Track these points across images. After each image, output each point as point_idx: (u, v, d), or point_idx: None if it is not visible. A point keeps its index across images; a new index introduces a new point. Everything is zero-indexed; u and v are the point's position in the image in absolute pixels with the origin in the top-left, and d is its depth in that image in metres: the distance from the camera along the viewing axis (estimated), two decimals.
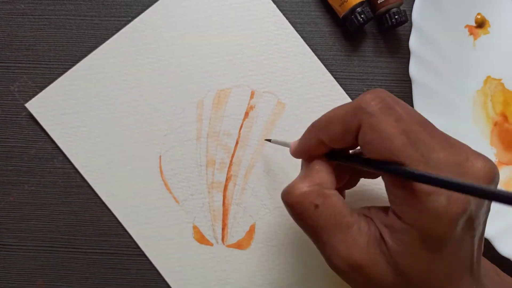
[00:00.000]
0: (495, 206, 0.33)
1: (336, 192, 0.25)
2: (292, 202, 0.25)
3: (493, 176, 0.23)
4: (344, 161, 0.25)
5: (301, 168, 0.28)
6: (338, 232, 0.24)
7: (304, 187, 0.25)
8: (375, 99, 0.23)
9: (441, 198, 0.21)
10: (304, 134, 0.27)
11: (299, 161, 0.35)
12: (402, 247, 0.23)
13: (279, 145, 0.35)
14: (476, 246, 0.24)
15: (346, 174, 0.28)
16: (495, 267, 0.28)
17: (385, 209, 0.24)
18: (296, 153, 0.27)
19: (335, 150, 0.26)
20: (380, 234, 0.23)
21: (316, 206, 0.24)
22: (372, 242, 0.23)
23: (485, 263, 0.27)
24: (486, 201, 0.24)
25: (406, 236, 0.22)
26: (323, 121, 0.25)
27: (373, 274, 0.23)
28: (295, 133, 0.35)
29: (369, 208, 0.25)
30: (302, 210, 0.24)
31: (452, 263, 0.23)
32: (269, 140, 0.34)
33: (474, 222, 0.23)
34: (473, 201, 0.22)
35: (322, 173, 0.25)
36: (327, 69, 0.35)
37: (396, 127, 0.22)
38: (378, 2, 0.34)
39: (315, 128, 0.25)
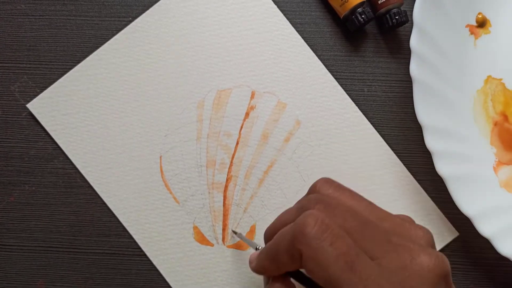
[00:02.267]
0: (497, 204, 0.33)
1: None
2: None
3: (440, 271, 0.23)
4: (301, 282, 0.26)
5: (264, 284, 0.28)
6: None
7: None
8: (310, 223, 0.23)
9: None
10: (259, 256, 0.27)
11: (299, 161, 0.35)
12: None
13: (277, 146, 0.35)
14: None
15: None
16: None
17: None
18: (255, 271, 0.28)
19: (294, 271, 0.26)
20: None
21: None
22: None
23: None
24: None
25: None
26: (273, 249, 0.25)
27: None
28: (296, 134, 0.35)
29: None
30: None
31: None
32: (235, 233, 0.34)
33: None
34: None
35: None
36: (328, 69, 0.35)
37: (332, 252, 0.22)
38: (379, 2, 0.34)
39: (267, 255, 0.26)
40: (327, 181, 0.27)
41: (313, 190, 0.27)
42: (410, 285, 0.23)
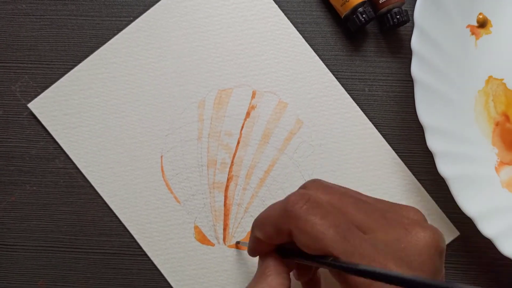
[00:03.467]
0: (498, 206, 0.33)
1: None
2: None
3: (436, 244, 0.23)
4: (290, 256, 0.26)
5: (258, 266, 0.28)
6: None
7: None
8: (299, 201, 0.23)
9: (382, 286, 0.21)
10: (250, 236, 0.27)
11: (300, 161, 0.35)
12: None
13: (278, 146, 0.35)
14: None
15: (308, 268, 0.28)
16: None
17: None
18: (249, 253, 0.28)
19: (282, 245, 0.26)
20: None
21: None
22: None
23: None
24: (435, 262, 0.24)
25: None
26: (258, 221, 0.26)
27: None
28: (297, 133, 0.35)
29: None
30: None
31: None
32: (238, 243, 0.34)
33: None
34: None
35: (273, 277, 0.25)
36: (329, 69, 0.35)
37: (323, 224, 0.23)
38: (380, 2, 0.34)
39: (252, 228, 0.26)
40: (316, 180, 0.27)
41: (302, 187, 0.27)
42: (405, 255, 0.23)
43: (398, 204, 0.26)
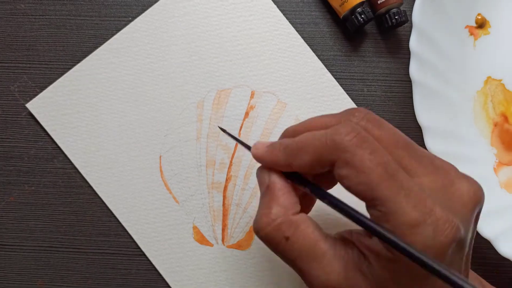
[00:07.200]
0: (496, 206, 0.33)
1: (304, 217, 0.24)
2: (263, 236, 0.24)
3: (478, 200, 0.23)
4: (304, 186, 0.24)
5: (260, 185, 0.26)
6: (312, 260, 0.23)
7: (271, 218, 0.24)
8: (350, 133, 0.22)
9: (427, 230, 0.21)
10: (272, 146, 0.25)
11: None
12: (389, 274, 0.22)
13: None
14: (463, 263, 0.23)
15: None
16: (479, 278, 0.28)
17: (368, 233, 0.23)
18: (259, 160, 0.26)
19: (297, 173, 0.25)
20: (364, 257, 0.23)
21: (287, 238, 0.23)
22: (351, 266, 0.23)
23: (470, 275, 0.27)
24: (474, 219, 0.23)
25: (393, 265, 0.21)
26: (295, 146, 0.24)
27: None
28: None
29: (350, 231, 0.24)
30: (274, 243, 0.24)
31: (440, 286, 0.22)
32: (224, 130, 0.31)
33: (464, 244, 0.22)
34: (462, 227, 0.21)
35: (286, 196, 0.24)
36: (328, 69, 0.35)
37: (372, 159, 0.21)
38: (378, 2, 0.34)
39: (286, 149, 0.24)
40: (368, 112, 0.25)
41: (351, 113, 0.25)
42: (451, 204, 0.22)
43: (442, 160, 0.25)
